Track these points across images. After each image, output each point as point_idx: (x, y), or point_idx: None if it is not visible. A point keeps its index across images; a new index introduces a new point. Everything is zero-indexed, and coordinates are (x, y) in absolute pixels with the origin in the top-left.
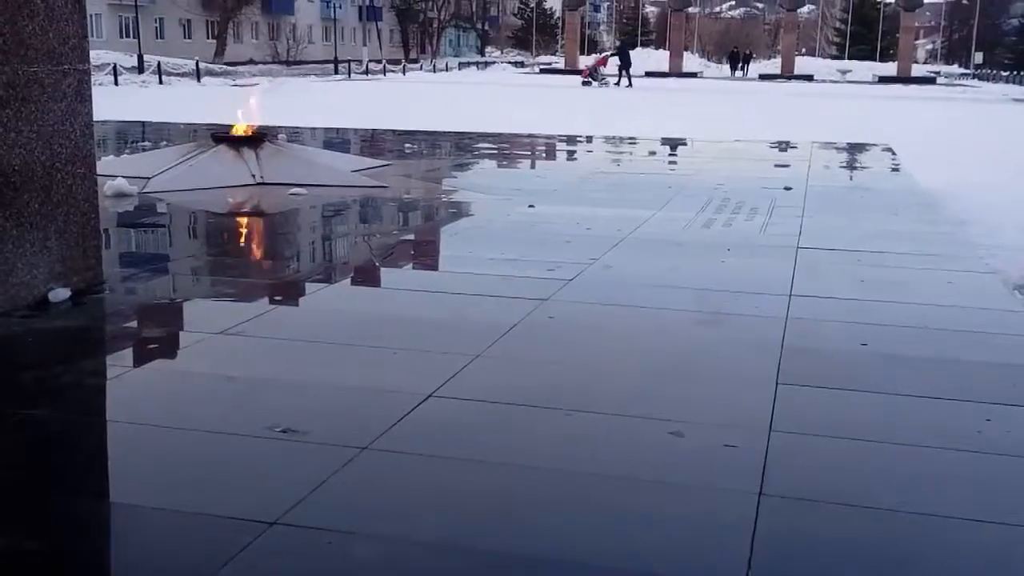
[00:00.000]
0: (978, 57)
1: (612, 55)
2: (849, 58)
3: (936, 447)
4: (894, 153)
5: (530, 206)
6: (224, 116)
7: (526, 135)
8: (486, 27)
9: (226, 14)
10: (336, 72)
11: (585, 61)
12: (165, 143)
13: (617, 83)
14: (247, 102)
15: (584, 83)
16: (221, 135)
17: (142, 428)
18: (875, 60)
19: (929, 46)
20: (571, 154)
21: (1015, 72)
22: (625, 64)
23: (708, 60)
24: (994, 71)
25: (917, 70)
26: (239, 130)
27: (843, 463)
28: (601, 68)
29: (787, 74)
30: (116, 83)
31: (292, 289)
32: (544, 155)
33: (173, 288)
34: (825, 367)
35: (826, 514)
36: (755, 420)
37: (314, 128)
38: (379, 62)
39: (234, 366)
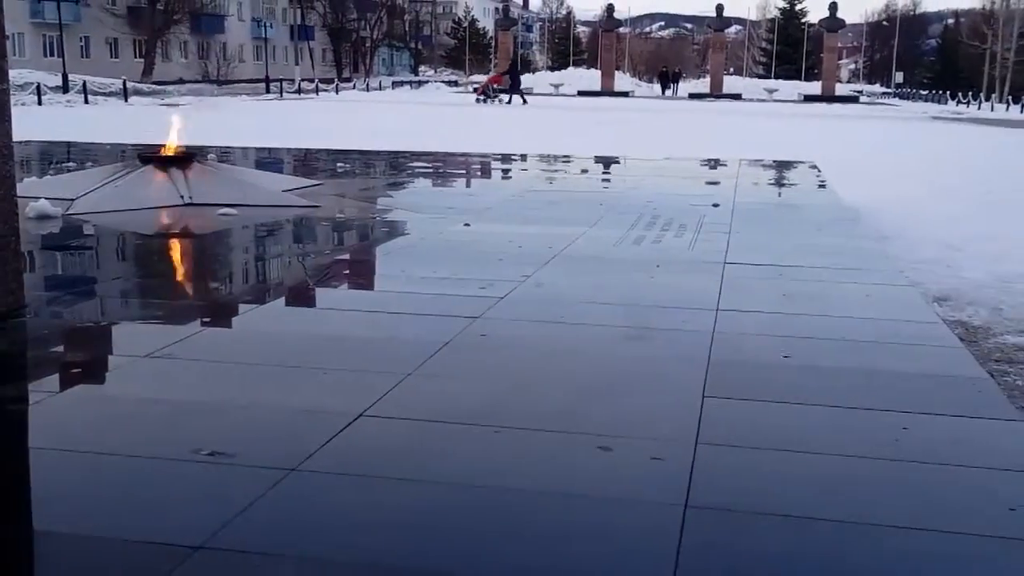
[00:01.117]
0: (899, 76)
1: (504, 73)
2: (775, 77)
3: (856, 456)
4: (819, 170)
5: (465, 224)
6: (152, 136)
7: (460, 154)
8: (419, 46)
9: (154, 33)
10: (268, 91)
11: (478, 78)
12: (91, 164)
13: (508, 100)
14: (175, 122)
15: (478, 100)
16: (148, 155)
17: (64, 454)
18: (800, 79)
19: (852, 66)
20: (505, 172)
21: (933, 91)
22: (515, 82)
23: (640, 79)
24: (914, 90)
25: (841, 89)
26: (167, 150)
27: (767, 474)
28: (495, 85)
29: (716, 93)
30: (39, 103)
31: (221, 310)
32: (478, 173)
33: (98, 311)
34: (750, 379)
35: (751, 524)
36: (682, 433)
37: (245, 147)
38: (311, 81)
39: (160, 389)
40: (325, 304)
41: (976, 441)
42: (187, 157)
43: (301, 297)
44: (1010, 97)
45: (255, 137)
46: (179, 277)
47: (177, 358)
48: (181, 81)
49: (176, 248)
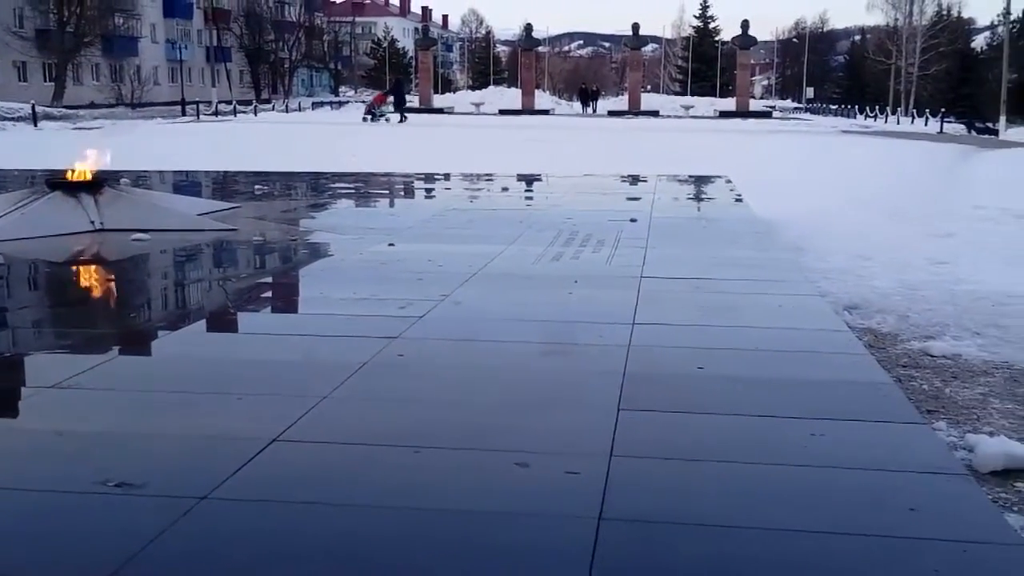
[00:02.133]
0: (809, 92)
1: (387, 93)
2: (691, 94)
3: (767, 463)
4: (733, 184)
5: (390, 244)
6: (62, 161)
7: (383, 174)
8: (339, 66)
9: (64, 56)
10: (184, 114)
11: (383, 97)
12: None
13: (401, 119)
14: (86, 146)
15: (364, 119)
16: (57, 181)
17: None
18: (716, 96)
19: (765, 82)
20: (427, 192)
21: (842, 105)
22: (399, 100)
23: (560, 97)
24: (824, 105)
25: (754, 105)
26: (77, 175)
27: (681, 483)
28: (380, 105)
29: (634, 110)
30: None
31: (132, 338)
32: (400, 193)
33: (6, 341)
34: (664, 391)
35: (665, 534)
36: (597, 446)
37: (161, 171)
38: (229, 103)
39: (67, 420)
40: (240, 329)
41: (880, 445)
42: (98, 182)
43: (216, 322)
44: (915, 110)
45: (171, 160)
46: (89, 305)
47: (85, 388)
48: (93, 105)
49: (85, 275)
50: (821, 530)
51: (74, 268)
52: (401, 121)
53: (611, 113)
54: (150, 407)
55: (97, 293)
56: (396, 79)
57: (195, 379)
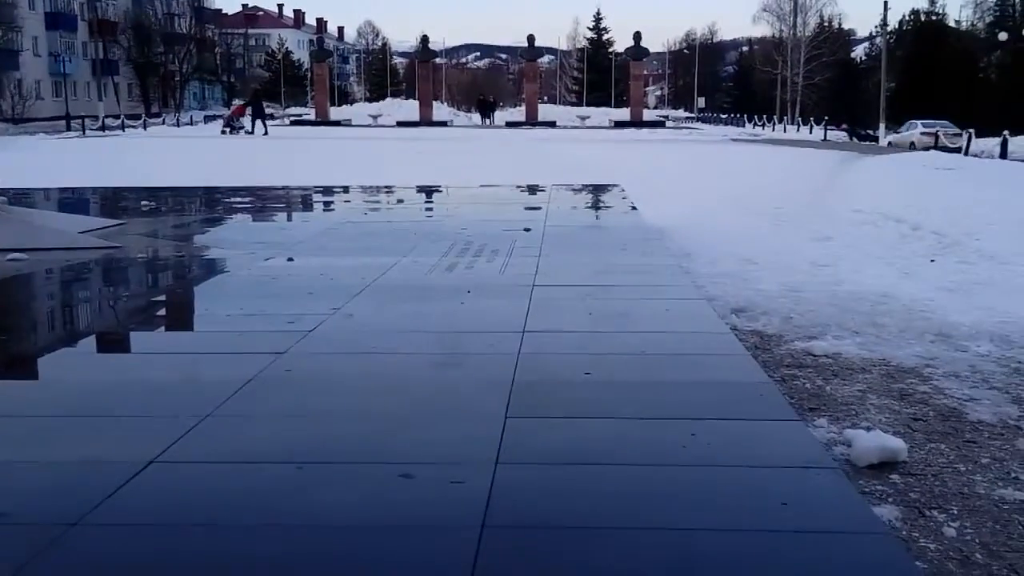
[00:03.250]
0: (701, 102)
1: (247, 104)
2: (587, 104)
3: (648, 464)
4: (626, 192)
5: (286, 259)
6: None
7: (279, 187)
8: (232, 79)
9: None
10: (69, 129)
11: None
12: None
13: (251, 131)
14: None
15: (223, 132)
16: None
17: None
18: (611, 106)
19: (658, 92)
20: (324, 204)
21: (732, 114)
22: (258, 112)
23: (458, 109)
24: (715, 114)
25: (648, 115)
26: None
27: (564, 488)
28: (240, 117)
29: (531, 121)
30: None
31: (8, 361)
32: (295, 206)
33: None
34: (551, 398)
35: (547, 539)
36: (483, 455)
37: (44, 188)
38: (117, 117)
39: None
40: (120, 349)
41: (756, 443)
42: None
43: (94, 343)
44: (800, 119)
45: (54, 177)
46: None
47: None
48: None
49: None
50: (701, 527)
51: None
52: (264, 134)
53: (509, 124)
54: (19, 434)
55: None
56: (254, 91)
57: (72, 403)
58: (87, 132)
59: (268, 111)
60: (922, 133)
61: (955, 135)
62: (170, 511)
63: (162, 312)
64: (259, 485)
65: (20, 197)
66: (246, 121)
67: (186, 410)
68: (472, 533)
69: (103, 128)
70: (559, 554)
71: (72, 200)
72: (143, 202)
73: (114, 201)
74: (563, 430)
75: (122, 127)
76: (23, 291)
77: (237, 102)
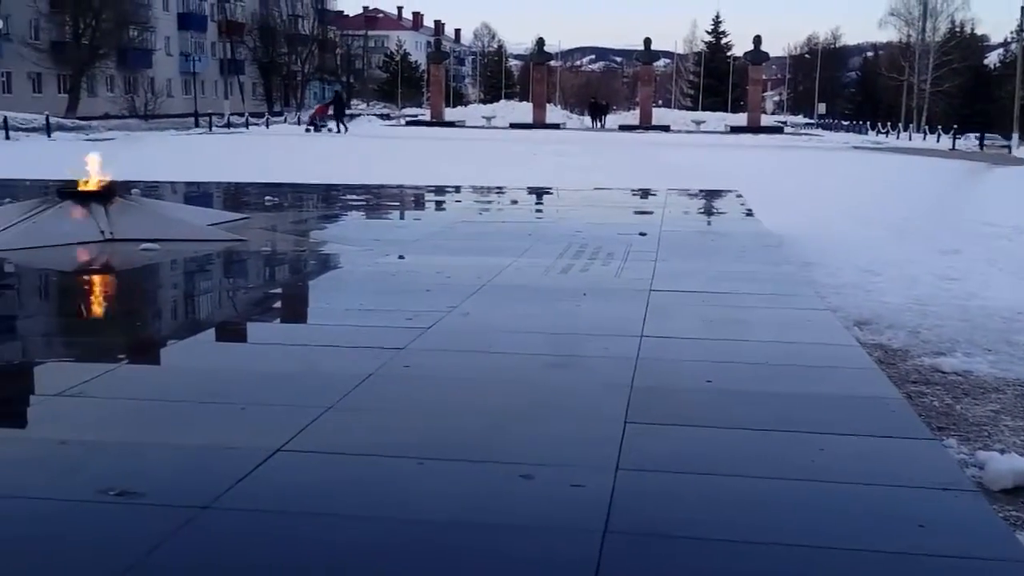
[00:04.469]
0: (821, 107)
1: (328, 104)
2: (703, 109)
3: (774, 477)
4: (743, 199)
5: (400, 257)
6: (74, 171)
7: (393, 186)
8: (351, 80)
9: (79, 68)
10: (196, 126)
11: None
12: (8, 200)
13: (338, 130)
14: (97, 156)
15: (306, 130)
16: (68, 190)
17: None
18: (727, 111)
19: (776, 97)
20: (437, 204)
21: (855, 121)
22: (339, 112)
23: (571, 112)
24: (835, 120)
25: (766, 120)
26: (87, 185)
27: (687, 498)
28: (322, 116)
29: (645, 125)
30: None
31: (139, 347)
32: (410, 205)
33: (10, 349)
34: (671, 404)
35: (670, 549)
36: (603, 459)
37: (172, 182)
38: (241, 115)
39: (70, 429)
40: (247, 339)
41: (889, 461)
42: (108, 192)
43: (222, 332)
44: (927, 127)
45: (182, 172)
46: (97, 313)
47: (90, 396)
48: (107, 116)
49: (94, 284)
50: (829, 546)
51: (83, 277)
52: (343, 132)
53: (622, 127)
54: (154, 416)
55: (105, 302)
56: (336, 92)
57: (200, 389)
58: (213, 129)
59: (385, 111)
60: None
61: None
62: (294, 499)
63: (285, 304)
64: (380, 478)
65: (150, 190)
66: (328, 120)
67: (310, 401)
68: (594, 538)
69: (228, 125)
70: (682, 565)
71: (198, 194)
72: (266, 197)
73: (237, 196)
74: (685, 438)
75: (246, 125)
76: (155, 280)
77: (316, 104)
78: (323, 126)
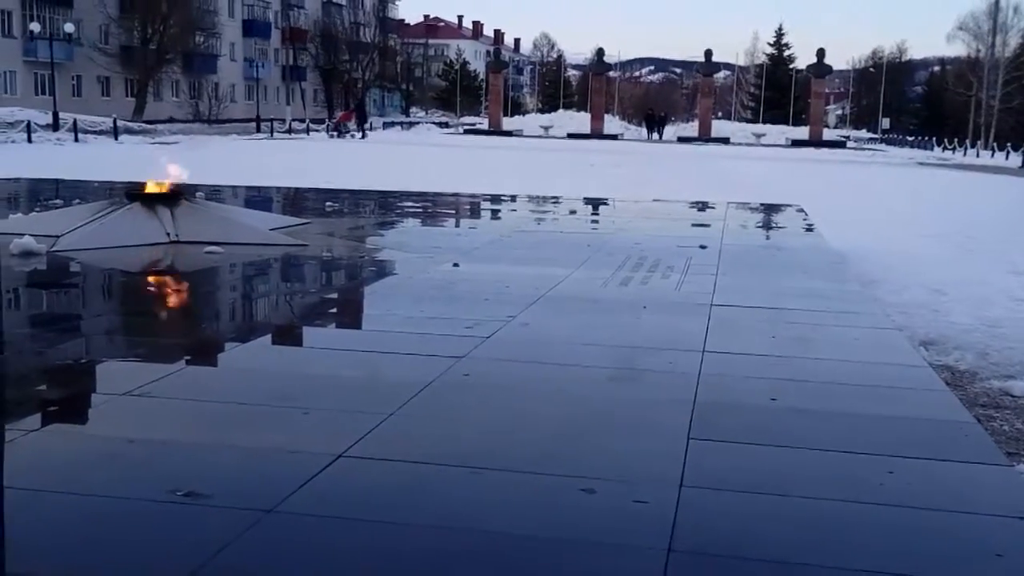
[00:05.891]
0: (885, 122)
1: (352, 110)
2: (763, 122)
3: (841, 500)
4: (806, 214)
5: (454, 264)
6: (141, 174)
7: (450, 194)
8: (411, 87)
9: (146, 72)
10: (258, 131)
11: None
12: (78, 201)
13: (362, 136)
14: (164, 160)
15: (331, 135)
16: (135, 193)
17: (37, 494)
18: (788, 124)
19: (839, 111)
20: (493, 213)
21: (920, 137)
22: (361, 118)
23: (629, 123)
24: (900, 136)
25: (828, 134)
26: (154, 187)
27: (752, 517)
28: (347, 123)
29: (704, 136)
30: (29, 140)
31: (203, 349)
32: (467, 214)
33: (78, 349)
34: (735, 422)
35: (735, 569)
36: (666, 475)
37: (234, 186)
38: (303, 121)
39: (137, 428)
40: (308, 343)
41: (962, 486)
42: (174, 195)
43: (285, 336)
44: (995, 144)
45: (245, 176)
46: (162, 314)
47: (156, 396)
48: (172, 120)
49: (159, 285)
50: (900, 573)
51: (149, 278)
52: (362, 137)
53: (681, 139)
54: (218, 418)
55: (170, 304)
56: (359, 99)
57: (263, 392)
58: (275, 134)
59: (443, 119)
60: None
61: None
62: (355, 506)
63: (345, 310)
64: (440, 487)
65: (213, 193)
66: (352, 126)
67: (371, 407)
68: (658, 556)
69: (289, 131)
70: None
71: (259, 198)
72: (326, 203)
73: (297, 200)
74: (750, 456)
75: (307, 130)
76: (219, 282)
77: (340, 112)
78: (347, 132)
